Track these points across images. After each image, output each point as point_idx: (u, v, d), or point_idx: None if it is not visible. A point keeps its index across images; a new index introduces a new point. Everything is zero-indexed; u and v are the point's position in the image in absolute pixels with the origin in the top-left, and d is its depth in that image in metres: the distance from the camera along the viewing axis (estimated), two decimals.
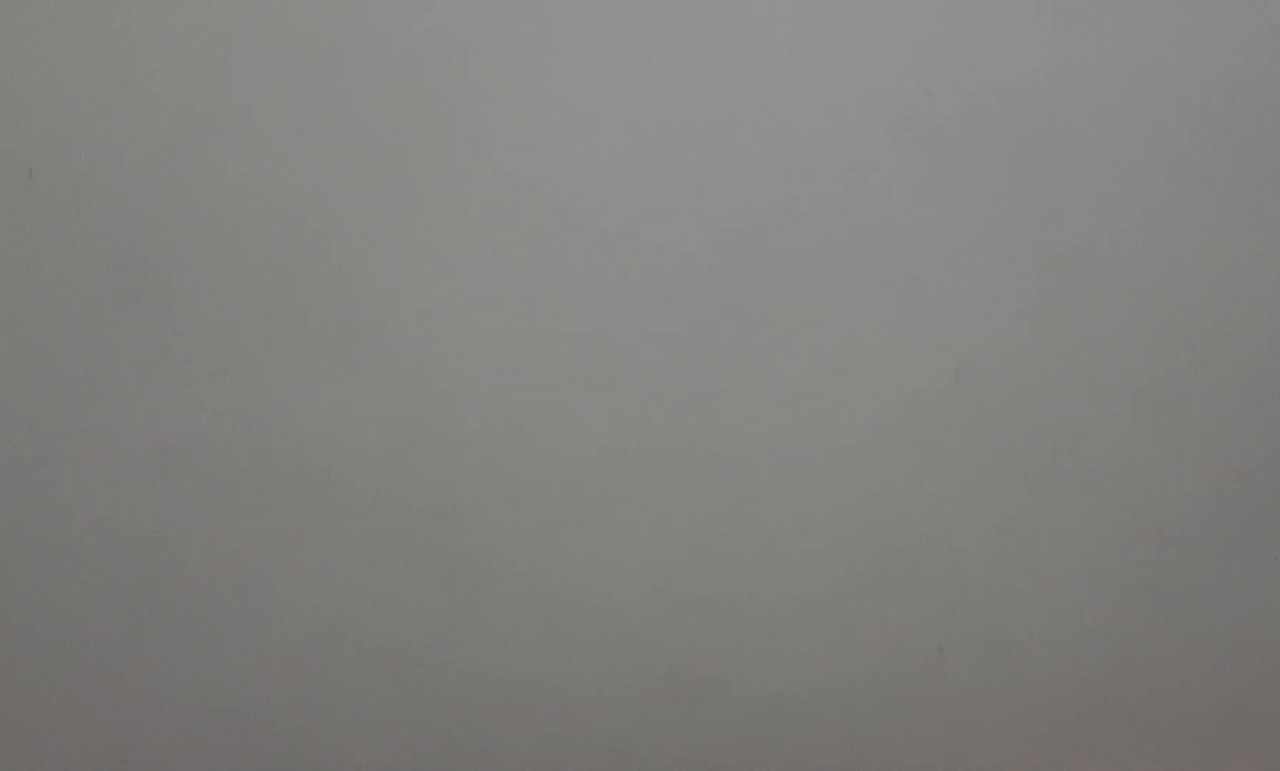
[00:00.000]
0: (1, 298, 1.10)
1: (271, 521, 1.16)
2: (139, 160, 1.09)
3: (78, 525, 1.14)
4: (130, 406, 1.12)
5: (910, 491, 1.18)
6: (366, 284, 1.12)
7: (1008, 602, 1.21)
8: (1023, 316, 1.15)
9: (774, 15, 1.11)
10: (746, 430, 1.16)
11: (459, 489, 1.16)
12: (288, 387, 1.13)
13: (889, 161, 1.13)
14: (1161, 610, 1.22)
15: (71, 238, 1.09)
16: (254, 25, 1.08)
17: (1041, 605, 1.21)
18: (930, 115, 1.12)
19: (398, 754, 1.21)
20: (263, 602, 1.18)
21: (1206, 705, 1.24)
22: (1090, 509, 1.19)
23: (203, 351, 1.12)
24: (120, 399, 1.12)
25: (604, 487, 1.16)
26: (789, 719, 1.23)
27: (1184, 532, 1.20)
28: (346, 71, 1.09)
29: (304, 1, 1.08)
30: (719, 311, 1.14)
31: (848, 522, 1.19)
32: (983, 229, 1.14)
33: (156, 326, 1.12)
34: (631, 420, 1.16)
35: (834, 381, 1.15)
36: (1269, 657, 1.23)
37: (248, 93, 1.09)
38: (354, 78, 1.09)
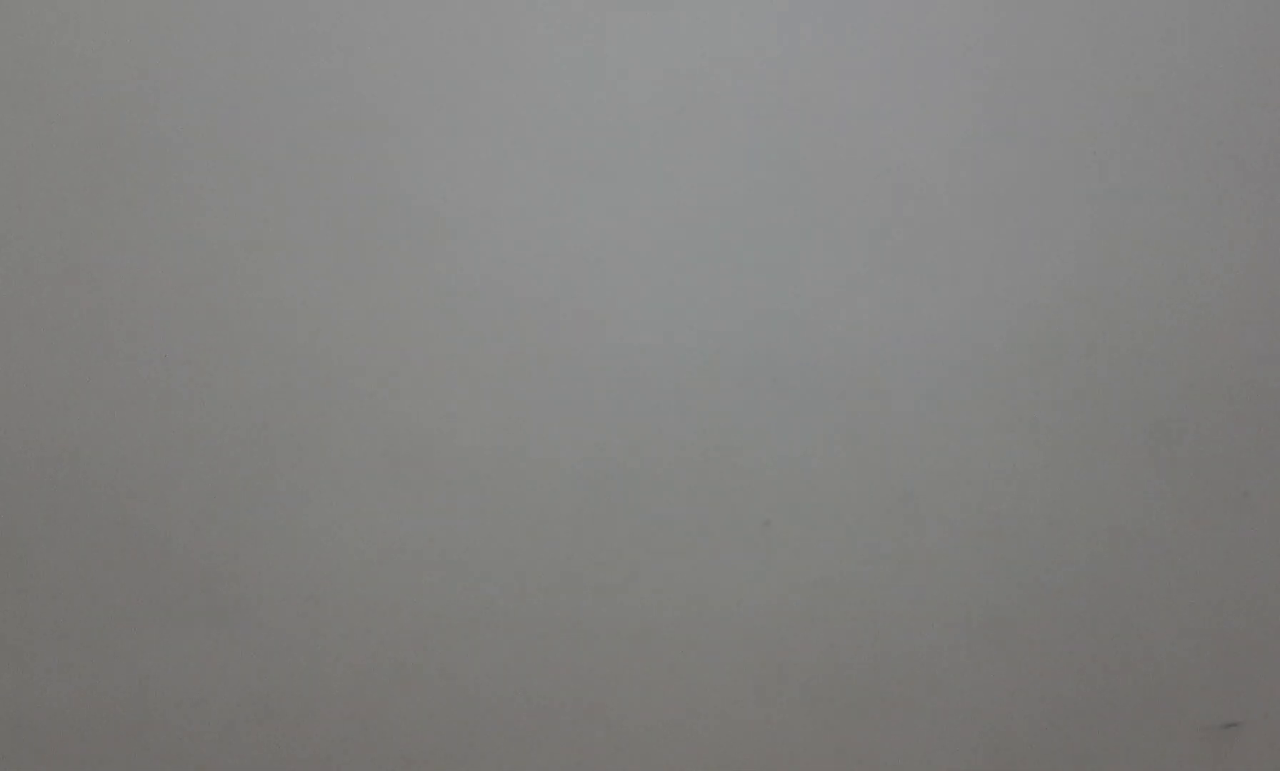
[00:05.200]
0: None
1: None
2: None
3: None
4: None
5: (763, 724, 1.21)
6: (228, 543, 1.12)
7: None
8: (872, 552, 1.19)
9: (629, 271, 1.15)
10: (608, 668, 1.18)
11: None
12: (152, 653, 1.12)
13: (740, 408, 1.17)
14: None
15: None
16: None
17: None
18: (778, 367, 1.16)
19: None
20: None
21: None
22: (925, 738, 1.22)
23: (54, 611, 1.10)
24: None
25: (477, 742, 1.17)
26: None
27: None
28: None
29: None
30: (580, 555, 1.16)
31: (701, 750, 1.21)
32: (832, 470, 1.18)
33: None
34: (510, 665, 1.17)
35: (689, 623, 1.18)
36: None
37: (108, 358, 1.09)
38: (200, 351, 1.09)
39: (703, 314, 1.17)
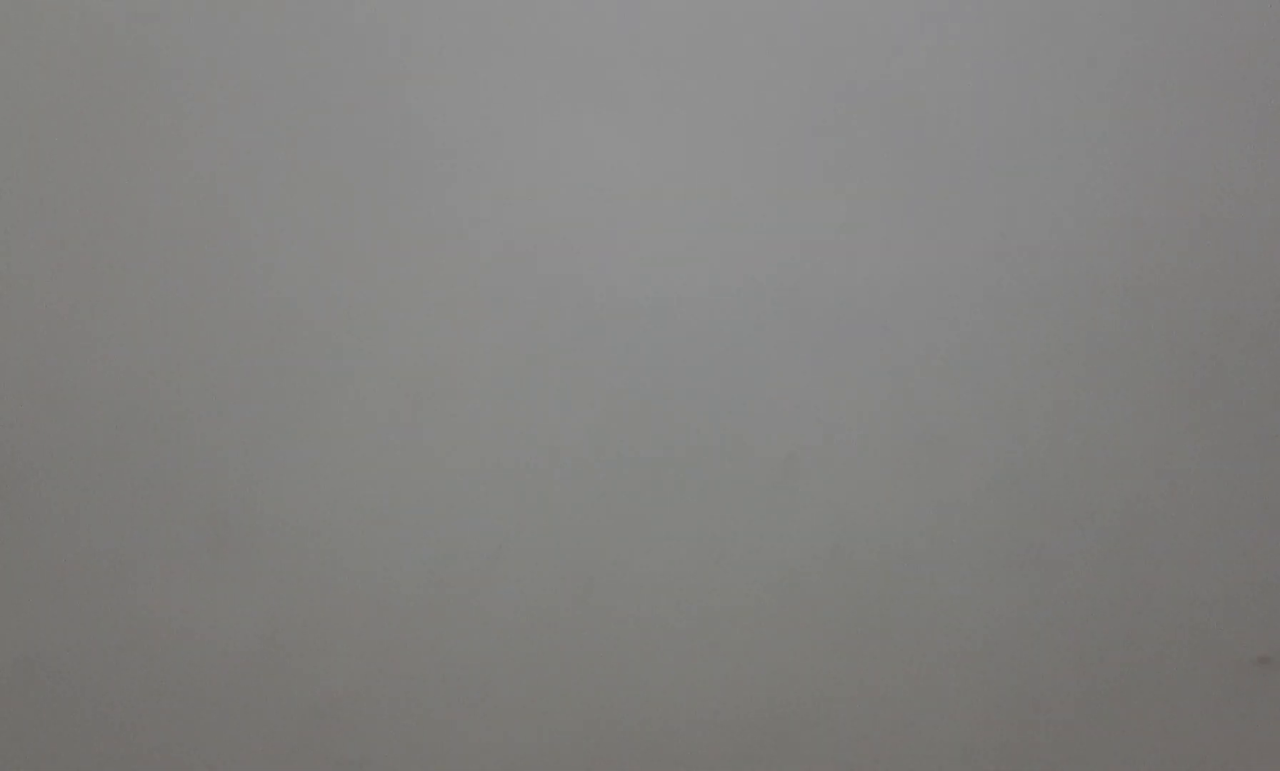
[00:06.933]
0: None
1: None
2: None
3: None
4: None
5: (786, 666, 1.19)
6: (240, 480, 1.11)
7: None
8: (898, 493, 1.18)
9: (643, 202, 1.13)
10: (626, 608, 1.16)
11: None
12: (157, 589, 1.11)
13: (762, 342, 1.15)
14: None
15: None
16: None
17: None
18: (801, 300, 1.15)
19: None
20: None
21: None
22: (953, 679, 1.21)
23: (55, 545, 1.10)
24: None
25: (488, 682, 1.16)
26: None
27: None
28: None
29: None
30: (598, 493, 1.15)
31: (723, 695, 1.20)
32: (856, 407, 1.17)
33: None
34: (512, 615, 1.15)
35: (711, 560, 1.17)
36: None
37: (114, 284, 1.07)
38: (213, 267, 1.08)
39: (721, 244, 1.15)
